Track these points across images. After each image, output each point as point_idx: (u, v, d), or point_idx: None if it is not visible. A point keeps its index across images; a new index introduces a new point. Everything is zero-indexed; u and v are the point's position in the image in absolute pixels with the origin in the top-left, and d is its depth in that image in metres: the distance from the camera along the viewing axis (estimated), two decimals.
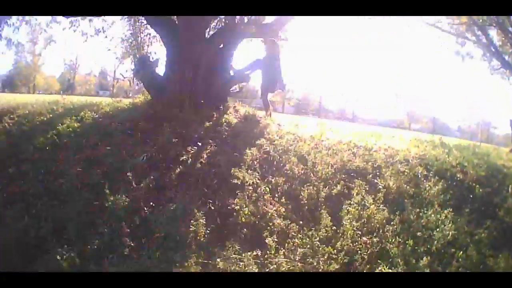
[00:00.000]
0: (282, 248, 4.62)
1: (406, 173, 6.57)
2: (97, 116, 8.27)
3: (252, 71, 10.27)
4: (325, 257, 4.48)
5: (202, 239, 4.75)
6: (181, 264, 4.28)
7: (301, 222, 5.17)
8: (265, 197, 5.53)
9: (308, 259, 4.45)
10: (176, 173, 5.99)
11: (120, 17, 10.99)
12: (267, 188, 5.71)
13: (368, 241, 4.77)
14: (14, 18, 9.67)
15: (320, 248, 4.59)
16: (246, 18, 9.61)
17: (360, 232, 4.95)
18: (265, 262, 4.40)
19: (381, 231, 5.03)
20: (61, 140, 7.16)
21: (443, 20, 18.60)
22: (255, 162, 6.38)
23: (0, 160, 6.76)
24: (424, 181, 6.41)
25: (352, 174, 6.37)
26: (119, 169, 5.98)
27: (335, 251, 4.59)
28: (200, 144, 6.83)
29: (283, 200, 5.57)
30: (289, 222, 5.11)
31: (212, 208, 5.32)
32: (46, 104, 9.45)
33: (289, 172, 6.23)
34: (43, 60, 54.69)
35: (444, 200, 5.94)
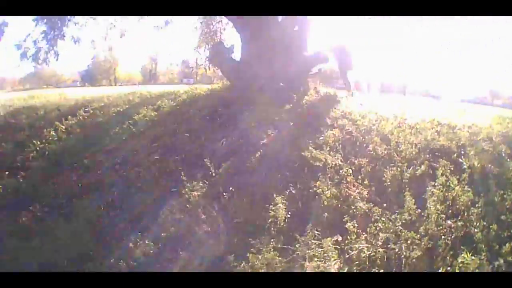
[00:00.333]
0: (363, 233, 4.55)
1: (490, 152, 6.17)
2: (174, 104, 8.57)
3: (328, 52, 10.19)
4: (408, 242, 4.35)
5: (282, 224, 4.78)
6: (258, 249, 4.35)
7: (384, 205, 5.02)
8: (348, 179, 5.45)
9: (390, 245, 4.36)
10: (256, 157, 6.05)
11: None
12: (349, 170, 5.63)
13: (452, 225, 4.59)
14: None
15: (403, 233, 4.45)
16: None
17: (444, 216, 4.74)
18: (345, 248, 4.36)
19: (465, 214, 4.81)
20: (138, 129, 7.46)
21: None
22: (338, 144, 6.34)
23: (76, 152, 7.12)
24: (508, 160, 5.98)
25: (437, 153, 6.09)
26: (198, 156, 6.13)
27: (418, 236, 4.42)
28: (281, 127, 6.90)
29: (366, 182, 5.45)
30: (372, 205, 4.99)
31: (293, 192, 5.31)
32: (122, 96, 9.99)
33: (372, 152, 6.10)
34: (121, 54, 58.17)
35: None
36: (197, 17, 12.54)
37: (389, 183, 5.46)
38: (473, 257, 4.13)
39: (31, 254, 4.71)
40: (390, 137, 6.49)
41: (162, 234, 4.82)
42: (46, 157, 7.21)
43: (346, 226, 4.62)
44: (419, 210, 4.88)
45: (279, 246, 4.43)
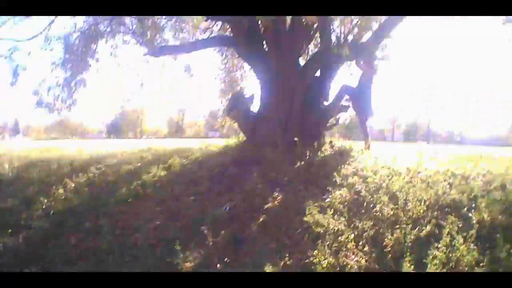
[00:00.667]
0: None
1: (502, 201, 5.74)
2: (186, 162, 8.47)
3: (345, 100, 9.80)
4: None
5: None
6: None
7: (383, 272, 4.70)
8: (348, 246, 5.15)
9: None
10: (257, 224, 5.87)
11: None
12: (351, 235, 5.32)
13: None
14: None
15: None
16: (341, 39, 9.25)
17: None
18: None
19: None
20: (145, 190, 7.38)
21: None
22: (343, 206, 6.03)
23: (79, 214, 7.03)
24: None
25: (446, 209, 5.72)
26: (198, 223, 5.91)
27: None
28: (288, 187, 6.66)
29: (366, 248, 5.12)
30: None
31: (288, 263, 4.98)
32: (136, 152, 9.90)
33: (378, 213, 5.77)
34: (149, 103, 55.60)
35: None
36: (217, 64, 12.50)
37: (389, 249, 5.08)
38: None
39: None
40: (399, 195, 6.12)
41: None
42: (51, 217, 7.12)
43: None
44: None
45: None
